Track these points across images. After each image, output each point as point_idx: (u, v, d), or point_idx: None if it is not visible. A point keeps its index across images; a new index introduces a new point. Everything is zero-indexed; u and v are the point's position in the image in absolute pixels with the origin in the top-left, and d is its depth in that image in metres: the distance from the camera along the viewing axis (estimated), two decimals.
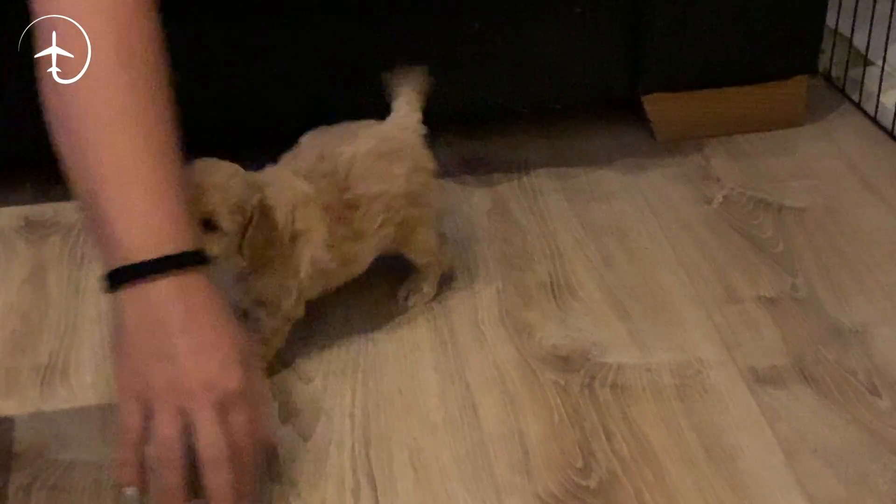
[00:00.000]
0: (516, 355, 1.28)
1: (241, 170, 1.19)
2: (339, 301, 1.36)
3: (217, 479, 0.99)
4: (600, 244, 1.46)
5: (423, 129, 1.34)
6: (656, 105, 1.66)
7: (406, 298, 1.37)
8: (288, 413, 1.21)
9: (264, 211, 1.18)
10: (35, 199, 1.55)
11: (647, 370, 1.26)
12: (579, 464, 1.14)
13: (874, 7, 1.71)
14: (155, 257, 0.97)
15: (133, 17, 1.01)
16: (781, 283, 1.39)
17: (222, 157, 1.19)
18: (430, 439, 1.18)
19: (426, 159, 1.33)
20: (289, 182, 1.24)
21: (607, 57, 1.60)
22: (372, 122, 1.33)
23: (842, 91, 1.78)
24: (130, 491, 1.02)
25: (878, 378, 1.24)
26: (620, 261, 1.44)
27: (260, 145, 1.34)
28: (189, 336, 0.98)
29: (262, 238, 1.18)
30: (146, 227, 0.98)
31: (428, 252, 1.36)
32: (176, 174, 1.01)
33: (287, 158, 1.28)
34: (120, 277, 0.98)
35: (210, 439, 0.98)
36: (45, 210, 1.53)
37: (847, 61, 1.77)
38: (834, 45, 1.79)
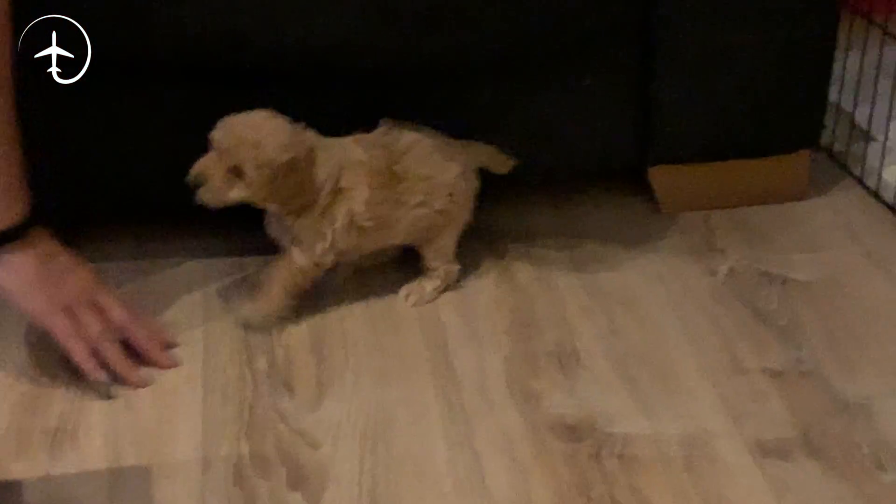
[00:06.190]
0: (524, 423, 1.29)
1: (286, 128, 1.35)
2: (349, 366, 1.37)
3: (140, 331, 1.35)
4: (607, 313, 1.47)
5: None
6: (662, 177, 1.67)
7: (407, 297, 1.49)
8: (297, 480, 1.21)
9: (292, 166, 1.33)
10: None
11: (654, 440, 1.26)
12: None
13: (876, 83, 1.73)
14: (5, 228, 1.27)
15: None
16: (787, 355, 1.40)
17: None
18: None
19: (475, 177, 1.49)
20: (344, 147, 1.41)
21: (615, 128, 1.62)
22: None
23: (843, 166, 1.79)
24: (103, 378, 1.32)
25: (883, 452, 1.24)
26: (627, 330, 1.45)
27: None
28: (62, 260, 1.32)
29: (287, 190, 1.35)
30: None
31: (444, 257, 1.50)
32: (11, 153, 1.26)
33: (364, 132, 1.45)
34: None
35: (121, 309, 1.34)
36: None
37: (849, 136, 1.79)
38: (836, 120, 1.81)
